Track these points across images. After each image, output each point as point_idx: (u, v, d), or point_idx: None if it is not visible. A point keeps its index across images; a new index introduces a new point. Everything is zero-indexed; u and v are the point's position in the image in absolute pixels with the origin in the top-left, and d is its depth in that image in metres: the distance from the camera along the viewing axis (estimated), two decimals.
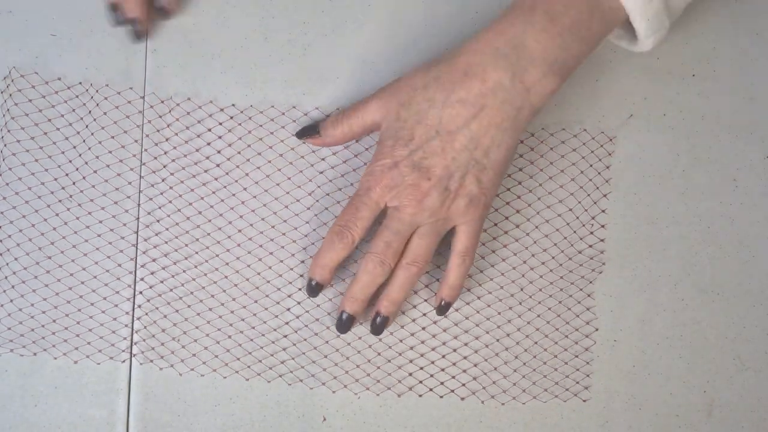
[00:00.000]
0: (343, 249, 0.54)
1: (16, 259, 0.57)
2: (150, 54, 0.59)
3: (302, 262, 0.58)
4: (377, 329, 0.56)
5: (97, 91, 0.58)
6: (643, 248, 0.60)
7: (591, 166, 0.60)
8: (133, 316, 0.57)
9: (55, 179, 0.57)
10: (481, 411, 0.58)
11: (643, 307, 0.59)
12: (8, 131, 0.57)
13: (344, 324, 0.56)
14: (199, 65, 0.59)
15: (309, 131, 0.57)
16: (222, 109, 0.58)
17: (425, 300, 0.58)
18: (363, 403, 0.58)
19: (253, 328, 0.57)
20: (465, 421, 0.58)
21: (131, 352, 0.57)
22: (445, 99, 0.52)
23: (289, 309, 0.58)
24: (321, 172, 0.59)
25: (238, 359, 0.57)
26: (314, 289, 0.56)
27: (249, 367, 0.57)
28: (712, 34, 0.62)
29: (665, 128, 0.61)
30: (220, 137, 0.58)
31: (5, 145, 0.57)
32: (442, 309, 0.56)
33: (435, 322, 0.58)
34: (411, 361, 0.58)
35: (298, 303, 0.58)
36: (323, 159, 0.59)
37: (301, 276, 0.58)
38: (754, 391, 0.59)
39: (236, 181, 0.58)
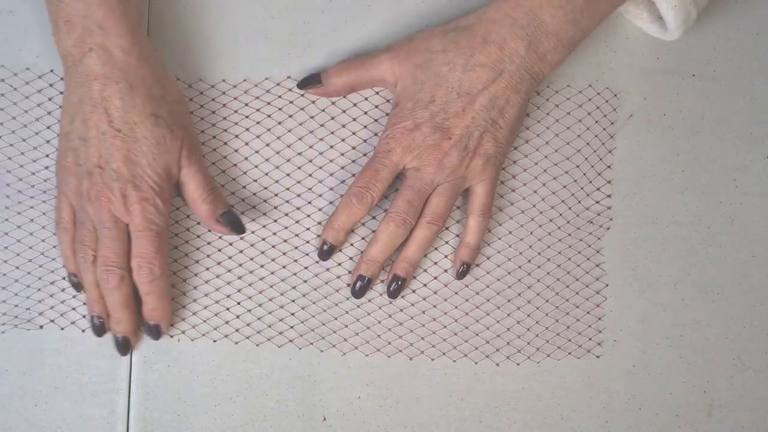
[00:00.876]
0: (361, 210, 0.55)
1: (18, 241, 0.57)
2: None
3: (307, 229, 0.58)
4: (394, 293, 0.57)
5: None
6: (643, 248, 0.60)
7: (596, 122, 0.60)
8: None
9: (46, 167, 0.58)
10: (481, 411, 0.58)
11: (643, 307, 0.59)
12: None
13: (361, 289, 0.57)
14: (199, 65, 0.59)
15: (311, 81, 0.57)
16: (213, 86, 0.59)
17: (435, 263, 0.59)
18: (363, 403, 0.58)
19: (261, 292, 0.58)
20: (464, 422, 0.58)
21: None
22: (466, 63, 0.54)
23: (295, 273, 0.58)
24: (320, 138, 0.59)
25: (248, 325, 0.58)
26: (326, 252, 0.57)
27: (259, 332, 0.58)
28: (712, 34, 0.62)
29: (665, 128, 0.61)
30: (213, 112, 0.59)
31: None
32: (463, 272, 0.57)
33: (446, 285, 0.59)
34: (423, 325, 0.58)
35: (305, 268, 0.58)
36: (322, 125, 0.59)
37: (306, 241, 0.58)
38: (754, 391, 0.59)
39: (235, 151, 0.59)
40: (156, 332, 0.56)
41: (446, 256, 0.59)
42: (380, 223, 0.56)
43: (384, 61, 0.56)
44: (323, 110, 0.59)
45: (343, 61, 0.58)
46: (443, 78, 0.54)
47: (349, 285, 0.58)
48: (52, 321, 0.57)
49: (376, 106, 0.59)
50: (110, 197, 0.52)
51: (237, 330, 0.58)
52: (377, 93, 0.59)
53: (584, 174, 0.60)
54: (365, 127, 0.59)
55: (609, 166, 0.60)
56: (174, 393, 0.57)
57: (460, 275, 0.57)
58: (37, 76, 0.58)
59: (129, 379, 0.57)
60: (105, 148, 0.52)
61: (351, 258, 0.58)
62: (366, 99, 0.59)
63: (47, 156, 0.58)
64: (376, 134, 0.59)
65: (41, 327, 0.57)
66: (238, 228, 0.55)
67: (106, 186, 0.52)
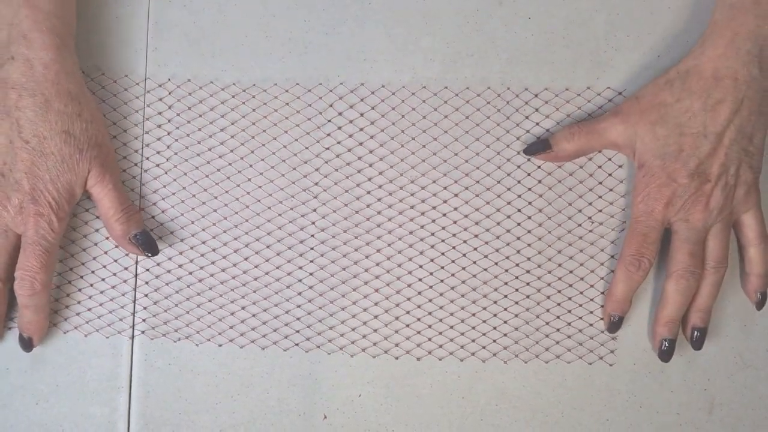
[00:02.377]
0: (640, 277, 0.56)
1: None
2: (150, 53, 0.59)
3: (312, 235, 0.58)
4: (698, 342, 0.57)
5: (92, 79, 0.58)
6: None
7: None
8: (135, 291, 0.57)
9: None
10: (482, 409, 0.58)
11: (643, 306, 0.59)
12: None
13: (667, 351, 0.57)
14: (199, 64, 0.59)
15: (539, 147, 0.58)
16: (223, 89, 0.59)
17: (442, 268, 0.59)
18: (363, 401, 0.58)
19: (265, 299, 0.58)
20: (465, 420, 0.58)
21: (133, 327, 0.57)
22: (704, 104, 0.54)
23: (301, 280, 0.58)
24: (317, 139, 0.59)
25: (253, 329, 0.58)
26: (615, 324, 0.57)
27: (264, 336, 0.58)
28: None
29: None
30: (222, 116, 0.59)
31: None
32: (762, 302, 0.58)
33: (453, 288, 0.58)
34: (430, 327, 0.58)
35: (310, 274, 0.58)
36: (328, 134, 0.59)
37: (310, 247, 0.58)
38: (754, 389, 0.59)
39: (237, 153, 0.59)
40: (28, 345, 0.55)
41: (455, 258, 0.59)
42: (666, 282, 0.56)
43: (616, 125, 0.56)
44: (328, 107, 0.59)
45: (570, 126, 0.58)
46: (686, 126, 0.54)
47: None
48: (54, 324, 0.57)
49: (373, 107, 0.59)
50: (6, 205, 0.52)
51: (242, 334, 0.58)
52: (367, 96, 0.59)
53: (590, 175, 0.59)
54: (349, 121, 0.59)
55: (620, 166, 0.59)
56: (175, 391, 0.57)
57: (760, 304, 0.58)
58: None
59: (130, 378, 0.57)
60: (10, 157, 0.52)
61: (355, 263, 0.58)
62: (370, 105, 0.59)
63: None
64: (363, 129, 0.59)
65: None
66: (151, 249, 0.55)
67: (3, 194, 0.52)
